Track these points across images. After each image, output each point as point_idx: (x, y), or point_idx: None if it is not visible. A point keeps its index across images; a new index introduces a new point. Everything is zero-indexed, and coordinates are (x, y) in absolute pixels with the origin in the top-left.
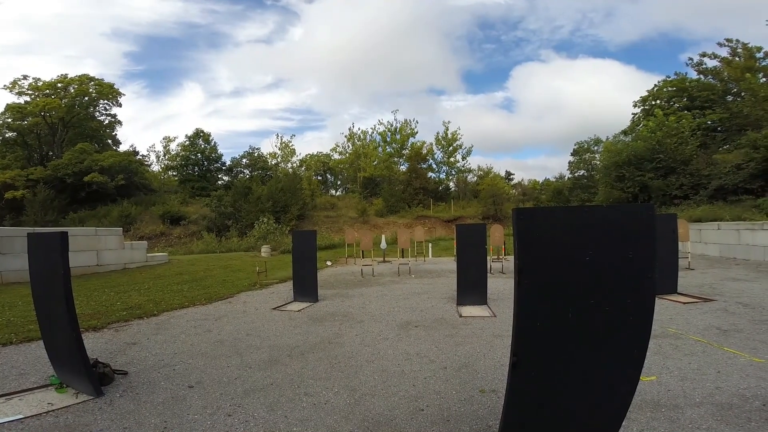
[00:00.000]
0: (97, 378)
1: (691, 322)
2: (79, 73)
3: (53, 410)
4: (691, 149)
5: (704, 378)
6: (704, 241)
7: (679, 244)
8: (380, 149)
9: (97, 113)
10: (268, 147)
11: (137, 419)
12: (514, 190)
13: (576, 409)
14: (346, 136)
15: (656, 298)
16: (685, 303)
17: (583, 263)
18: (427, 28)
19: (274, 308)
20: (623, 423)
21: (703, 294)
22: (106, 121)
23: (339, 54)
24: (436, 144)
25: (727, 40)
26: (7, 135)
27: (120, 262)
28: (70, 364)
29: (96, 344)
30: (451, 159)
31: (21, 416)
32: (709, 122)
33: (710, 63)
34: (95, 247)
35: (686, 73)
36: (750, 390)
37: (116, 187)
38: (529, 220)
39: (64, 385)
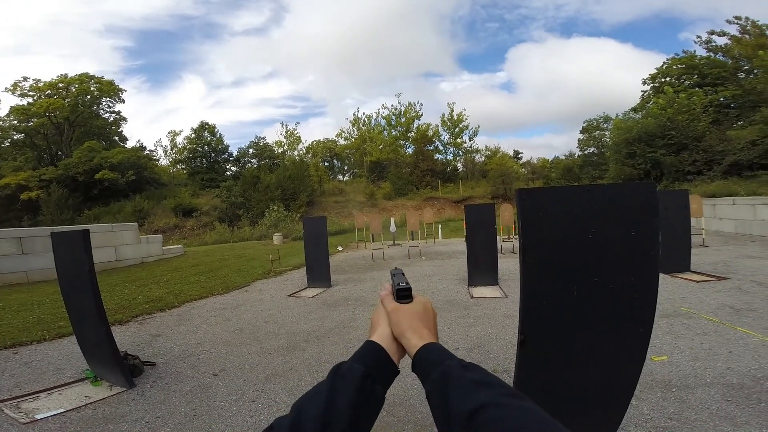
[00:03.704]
0: (128, 370)
1: (704, 301)
2: (78, 72)
3: (91, 403)
4: (704, 125)
5: (716, 358)
6: (719, 217)
7: (693, 220)
8: (385, 133)
9: (101, 111)
10: (273, 135)
11: (168, 408)
12: (523, 169)
13: (583, 387)
14: (351, 122)
15: (669, 277)
16: (698, 281)
17: (586, 242)
18: (418, 10)
19: (289, 295)
20: (633, 402)
21: (717, 272)
22: (111, 118)
23: (333, 40)
24: (441, 125)
25: (736, 17)
26: (15, 137)
27: (137, 257)
28: (103, 358)
29: (123, 337)
30: (458, 140)
31: (62, 410)
32: (722, 99)
33: (719, 41)
34: (112, 242)
35: (694, 51)
36: (762, 371)
37: (127, 183)
38: (532, 199)
39: (99, 378)
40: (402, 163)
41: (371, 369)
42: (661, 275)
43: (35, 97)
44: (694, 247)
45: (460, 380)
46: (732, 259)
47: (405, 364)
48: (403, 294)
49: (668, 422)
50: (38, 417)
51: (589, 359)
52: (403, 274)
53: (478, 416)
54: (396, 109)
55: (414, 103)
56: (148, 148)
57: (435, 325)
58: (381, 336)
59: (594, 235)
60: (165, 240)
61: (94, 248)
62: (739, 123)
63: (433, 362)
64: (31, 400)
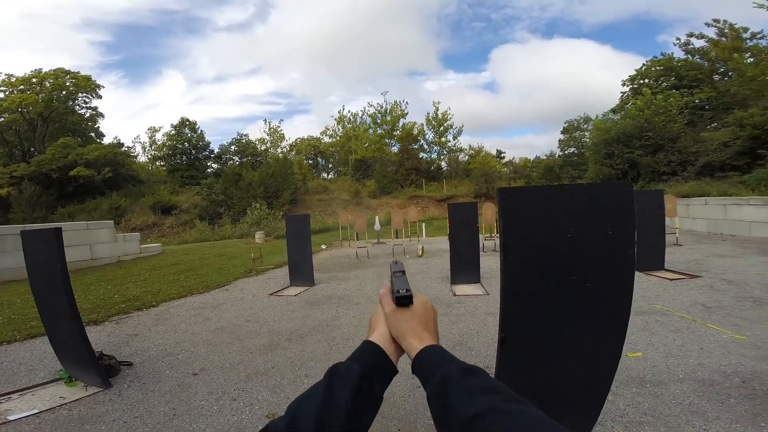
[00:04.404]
0: (104, 370)
1: (677, 299)
2: (53, 67)
3: (66, 404)
4: (679, 127)
5: (688, 354)
6: (692, 216)
7: (667, 219)
8: (371, 131)
9: (77, 107)
10: (256, 133)
11: (147, 408)
12: (505, 168)
13: (561, 383)
14: (335, 119)
15: (644, 275)
16: (671, 279)
17: (565, 240)
18: (405, 8)
19: (272, 294)
20: (609, 397)
21: (690, 270)
22: (87, 114)
23: (318, 37)
24: (426, 124)
25: (715, 20)
26: None
27: (114, 255)
28: (77, 358)
29: (99, 337)
30: (442, 139)
31: (36, 411)
32: (697, 101)
33: (697, 43)
34: (87, 241)
35: (672, 53)
36: (731, 367)
37: (104, 180)
38: (513, 199)
39: (73, 379)
40: (387, 161)
41: (369, 369)
42: (636, 273)
43: (7, 93)
44: (668, 245)
45: (461, 384)
46: (704, 258)
47: (401, 365)
48: (403, 302)
49: (643, 417)
50: (11, 418)
51: (568, 356)
52: (404, 273)
53: (479, 421)
54: (382, 107)
55: (399, 102)
56: (125, 145)
57: (435, 325)
58: (379, 336)
59: (573, 233)
60: (143, 238)
61: (67, 247)
62: (712, 125)
63: (433, 366)
64: (3, 401)
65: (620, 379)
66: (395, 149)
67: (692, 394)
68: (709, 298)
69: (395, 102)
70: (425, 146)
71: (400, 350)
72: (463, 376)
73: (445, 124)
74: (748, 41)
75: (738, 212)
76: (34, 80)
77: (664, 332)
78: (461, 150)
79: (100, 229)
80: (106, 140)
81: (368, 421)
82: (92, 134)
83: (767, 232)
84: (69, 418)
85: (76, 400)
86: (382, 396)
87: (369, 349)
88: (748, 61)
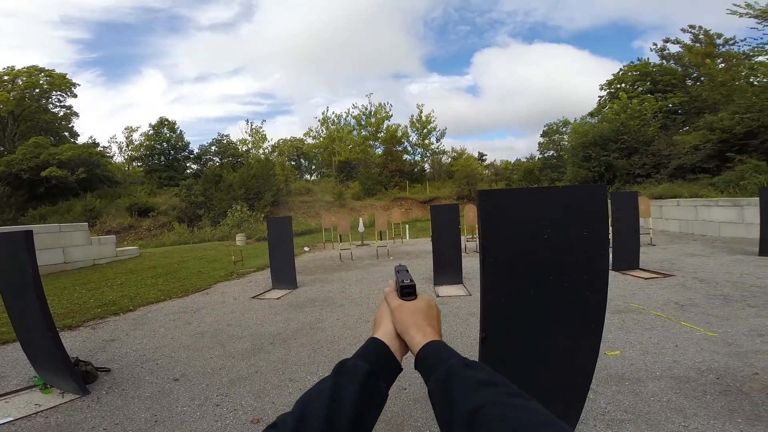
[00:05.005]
0: (80, 376)
1: (652, 298)
2: (26, 64)
3: (42, 411)
4: (653, 131)
5: (663, 352)
6: (665, 217)
7: (642, 220)
8: (355, 133)
9: (51, 105)
10: (237, 133)
11: (127, 414)
12: (487, 171)
13: (542, 382)
14: (319, 121)
15: (620, 274)
16: (646, 279)
17: (543, 241)
18: (390, 11)
19: (253, 297)
20: (590, 396)
21: (663, 269)
22: (61, 113)
23: (303, 37)
24: (410, 126)
25: (690, 26)
26: None
27: (88, 259)
28: (52, 365)
29: (74, 343)
30: (426, 141)
31: (11, 418)
32: (670, 105)
33: (673, 49)
34: (60, 244)
35: (648, 59)
36: (705, 363)
37: (77, 181)
38: (492, 200)
39: (48, 386)
40: (371, 163)
41: (375, 366)
42: (612, 273)
43: None
44: (642, 245)
45: (463, 379)
46: (676, 257)
47: (405, 362)
48: (407, 291)
49: (624, 415)
50: None
51: (547, 355)
52: (407, 271)
53: (480, 415)
54: (366, 109)
55: (384, 104)
56: (101, 145)
57: (438, 322)
58: (384, 333)
59: (550, 234)
60: (119, 241)
61: (39, 250)
62: (684, 128)
63: (436, 360)
64: None
65: (600, 378)
66: (379, 151)
67: (670, 391)
68: (681, 296)
69: (380, 104)
70: (409, 148)
71: (404, 348)
72: (466, 370)
73: (429, 127)
74: (720, 47)
75: (708, 213)
76: (6, 78)
77: (640, 330)
78: (444, 152)
79: (73, 232)
80: (81, 140)
81: (374, 418)
82: (66, 134)
83: (735, 232)
84: (46, 426)
85: (52, 408)
86: (387, 394)
87: (374, 345)
88: (720, 66)
